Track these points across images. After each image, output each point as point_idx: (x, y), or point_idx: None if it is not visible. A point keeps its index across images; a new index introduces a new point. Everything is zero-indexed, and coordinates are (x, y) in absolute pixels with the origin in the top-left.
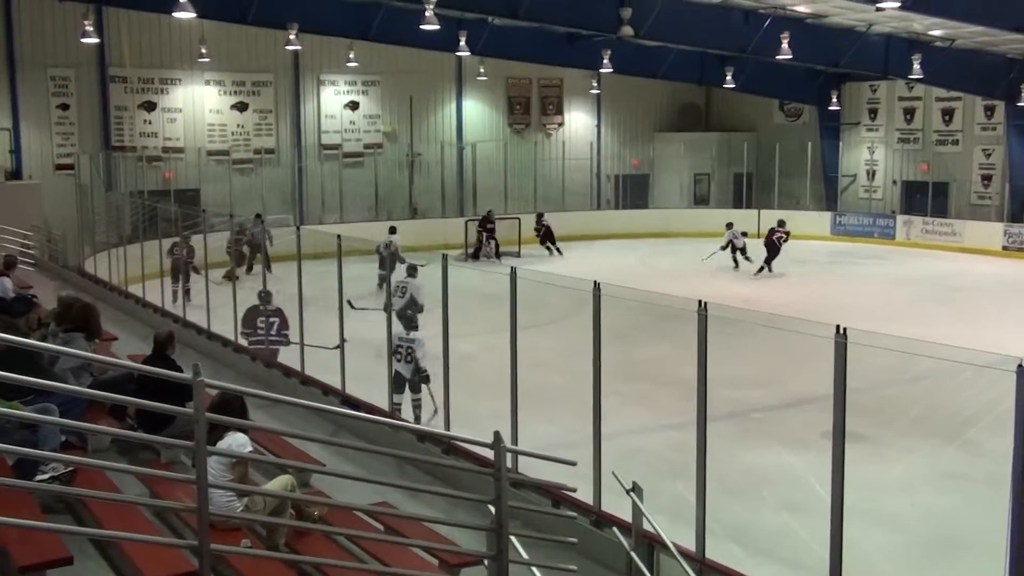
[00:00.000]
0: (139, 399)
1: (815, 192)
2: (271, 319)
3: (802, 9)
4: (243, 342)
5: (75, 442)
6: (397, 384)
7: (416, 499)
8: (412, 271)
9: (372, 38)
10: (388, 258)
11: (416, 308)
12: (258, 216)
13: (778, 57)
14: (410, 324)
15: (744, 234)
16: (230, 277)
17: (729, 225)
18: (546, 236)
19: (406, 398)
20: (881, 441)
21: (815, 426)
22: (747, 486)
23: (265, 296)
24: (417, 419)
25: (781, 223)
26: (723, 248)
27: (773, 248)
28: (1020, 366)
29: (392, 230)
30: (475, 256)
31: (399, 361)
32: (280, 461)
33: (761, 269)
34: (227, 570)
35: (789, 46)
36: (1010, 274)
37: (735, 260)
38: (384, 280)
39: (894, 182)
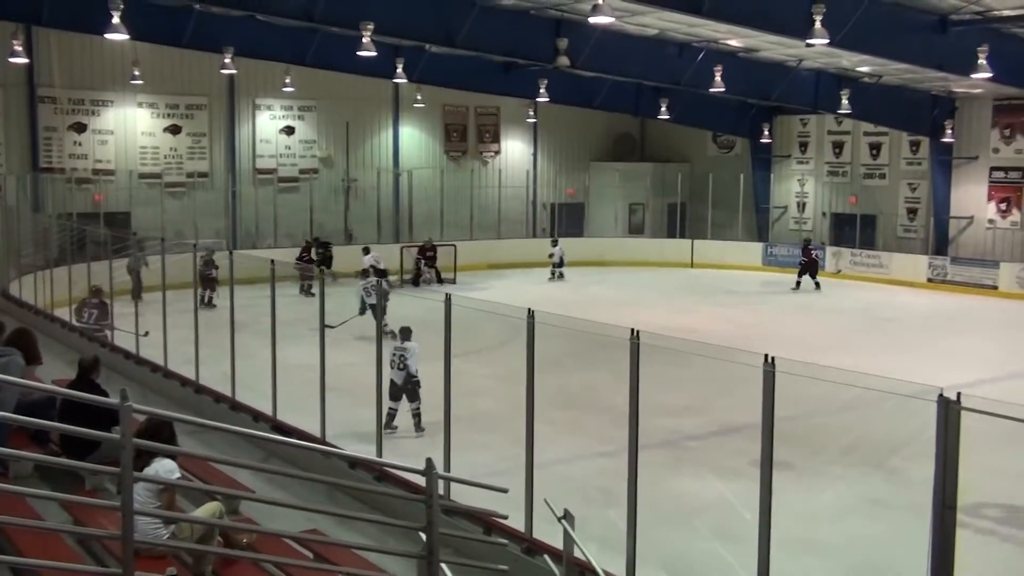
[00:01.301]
0: (63, 424)
1: (747, 223)
2: (92, 310)
3: (735, 43)
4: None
5: None
6: (392, 393)
7: (347, 526)
8: (407, 334)
9: (308, 63)
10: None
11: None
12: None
13: (711, 90)
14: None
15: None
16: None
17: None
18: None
19: (401, 408)
20: (809, 469)
21: (745, 454)
22: (679, 514)
23: (94, 291)
24: (416, 426)
25: (808, 240)
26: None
27: (812, 264)
28: (941, 396)
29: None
30: (414, 282)
31: (392, 368)
32: (208, 488)
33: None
34: None
35: (722, 79)
36: (934, 305)
37: None
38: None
39: (823, 214)
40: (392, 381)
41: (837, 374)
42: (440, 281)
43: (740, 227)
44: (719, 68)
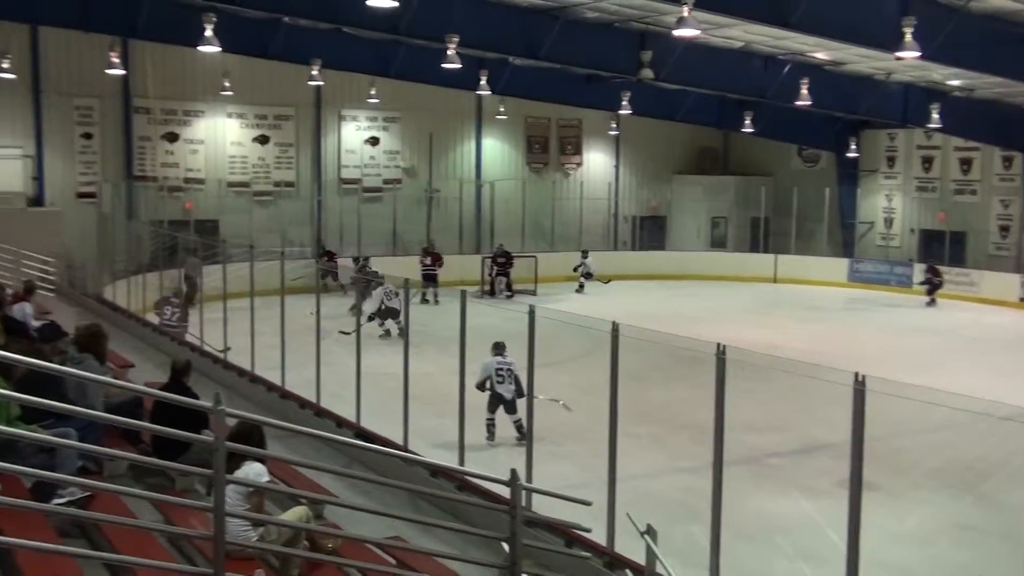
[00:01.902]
0: (155, 425)
1: (832, 238)
2: (175, 310)
3: (822, 56)
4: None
5: (91, 467)
6: (492, 404)
7: (428, 534)
8: (502, 348)
9: (393, 75)
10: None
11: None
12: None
13: (797, 103)
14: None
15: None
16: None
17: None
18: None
19: (501, 419)
20: (895, 491)
21: (829, 473)
22: (761, 532)
23: (176, 291)
24: (521, 438)
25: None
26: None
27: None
28: None
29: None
30: (491, 293)
31: (501, 383)
32: (297, 492)
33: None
34: None
35: (808, 92)
36: None
37: None
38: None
39: (911, 230)
40: (500, 395)
41: (928, 393)
42: (511, 292)
43: (825, 242)
44: (805, 81)
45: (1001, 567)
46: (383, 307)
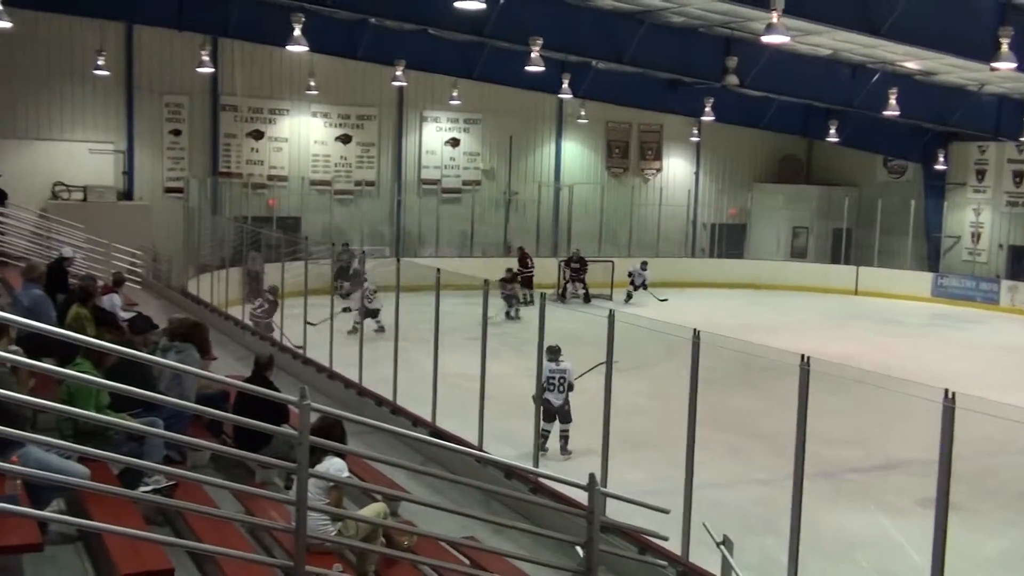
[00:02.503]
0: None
1: (916, 252)
2: (264, 303)
3: (912, 66)
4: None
5: (176, 457)
6: (547, 414)
7: (502, 535)
8: (557, 353)
9: (476, 77)
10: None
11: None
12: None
13: (885, 113)
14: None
15: None
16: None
17: None
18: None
19: (554, 429)
20: (980, 512)
21: (910, 491)
22: (839, 548)
23: (271, 288)
24: (563, 449)
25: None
26: None
27: None
28: None
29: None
30: (561, 298)
31: (551, 391)
32: (376, 488)
33: None
34: None
35: (897, 102)
36: None
37: None
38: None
39: (1000, 246)
40: (549, 401)
41: (1019, 413)
42: (588, 298)
43: (909, 255)
44: (894, 91)
45: None
46: (364, 307)
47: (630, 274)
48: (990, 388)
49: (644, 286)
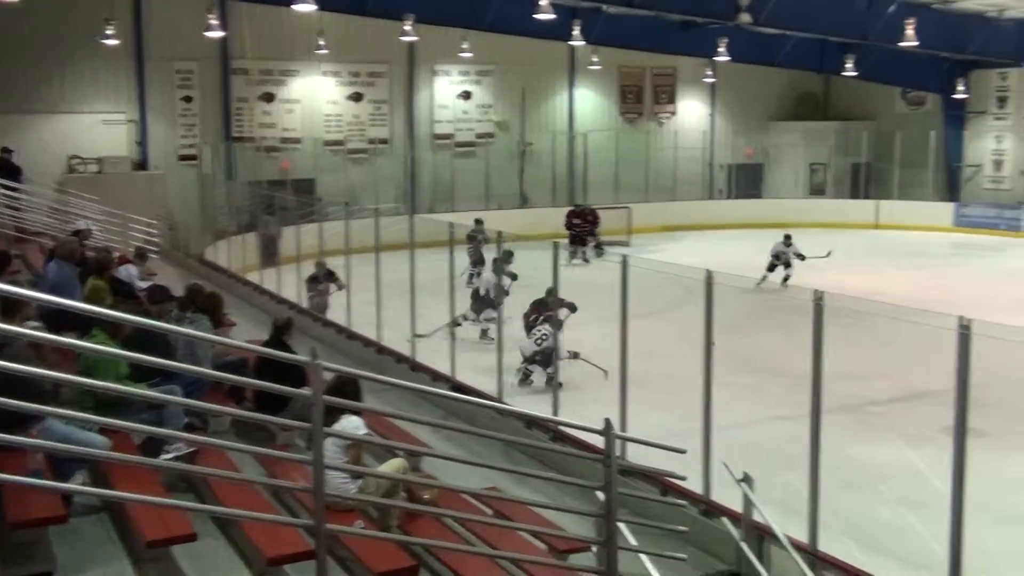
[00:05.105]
0: (256, 380)
1: (937, 182)
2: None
3: None
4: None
5: (197, 424)
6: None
7: (523, 484)
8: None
9: (486, 28)
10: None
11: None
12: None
13: (902, 44)
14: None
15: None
16: None
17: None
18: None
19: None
20: (1005, 437)
21: (934, 421)
22: (862, 480)
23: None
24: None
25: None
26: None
27: None
28: None
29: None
30: (573, 254)
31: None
32: (393, 444)
33: None
34: (342, 550)
35: (914, 32)
36: None
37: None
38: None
39: (1022, 172)
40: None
41: None
42: (599, 249)
43: (929, 187)
44: (911, 21)
45: None
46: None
47: (777, 256)
48: (1014, 314)
49: (801, 256)
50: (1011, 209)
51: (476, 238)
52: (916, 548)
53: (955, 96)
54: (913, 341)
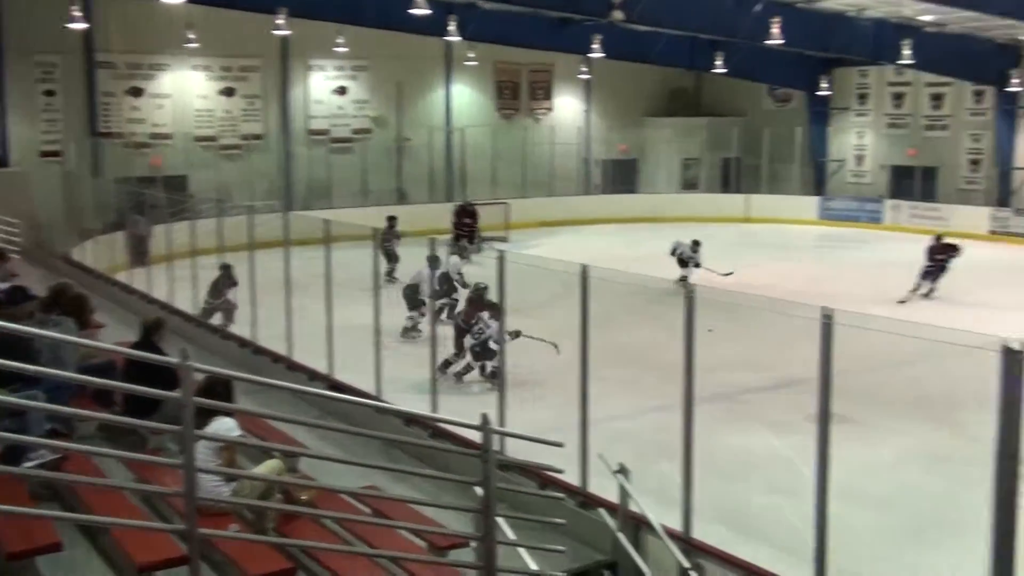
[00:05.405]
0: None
1: (803, 177)
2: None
3: None
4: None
5: (62, 429)
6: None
7: (403, 482)
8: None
9: (361, 23)
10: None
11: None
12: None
13: (768, 42)
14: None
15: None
16: None
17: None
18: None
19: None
20: (868, 423)
21: (802, 409)
22: (735, 468)
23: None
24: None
25: (940, 238)
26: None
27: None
28: (1004, 347)
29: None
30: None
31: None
32: (267, 445)
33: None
34: (216, 555)
35: (780, 31)
36: (996, 258)
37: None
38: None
39: (882, 167)
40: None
41: (897, 326)
42: (479, 244)
43: (796, 181)
44: (777, 20)
45: (970, 491)
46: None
47: (684, 259)
48: (876, 304)
49: (698, 265)
50: (872, 202)
51: (391, 237)
52: (785, 531)
53: (819, 93)
54: (782, 331)
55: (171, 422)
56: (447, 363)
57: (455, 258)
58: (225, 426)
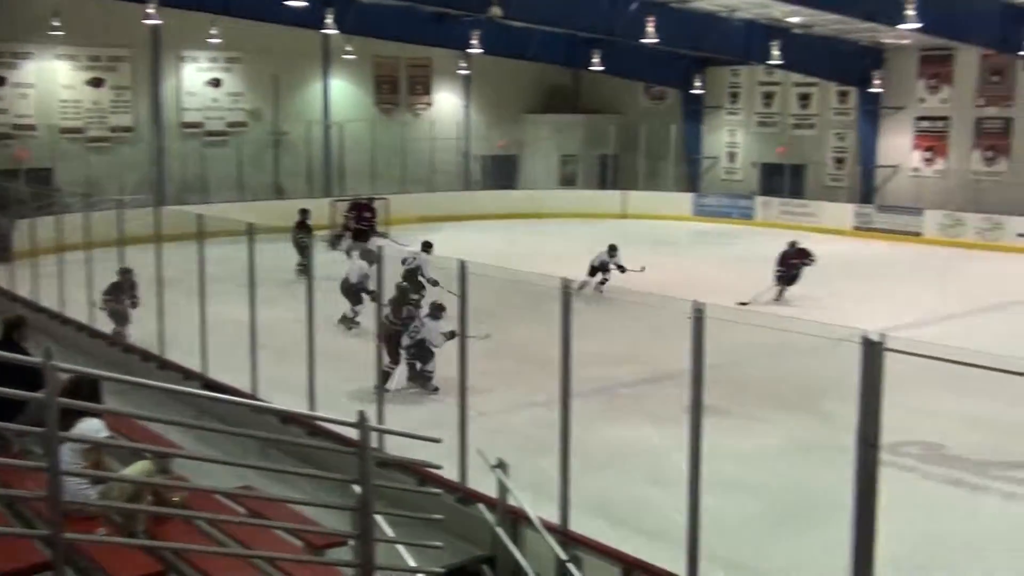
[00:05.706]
0: None
1: (678, 174)
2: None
3: None
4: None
5: None
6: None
7: (282, 483)
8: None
9: (235, 14)
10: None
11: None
12: None
13: (643, 40)
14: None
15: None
16: None
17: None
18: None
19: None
20: (740, 414)
21: (678, 401)
22: (611, 460)
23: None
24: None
25: (794, 244)
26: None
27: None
28: (864, 339)
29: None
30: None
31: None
32: (135, 446)
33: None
34: (83, 561)
35: (655, 30)
36: (859, 252)
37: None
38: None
39: (753, 164)
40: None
41: (766, 319)
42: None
43: (671, 178)
44: (652, 19)
45: (834, 476)
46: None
47: (601, 266)
48: (745, 298)
49: (622, 268)
50: (744, 199)
51: (304, 228)
52: (661, 521)
53: (693, 92)
54: (658, 325)
55: (36, 424)
56: (387, 375)
57: (358, 263)
58: (92, 427)
